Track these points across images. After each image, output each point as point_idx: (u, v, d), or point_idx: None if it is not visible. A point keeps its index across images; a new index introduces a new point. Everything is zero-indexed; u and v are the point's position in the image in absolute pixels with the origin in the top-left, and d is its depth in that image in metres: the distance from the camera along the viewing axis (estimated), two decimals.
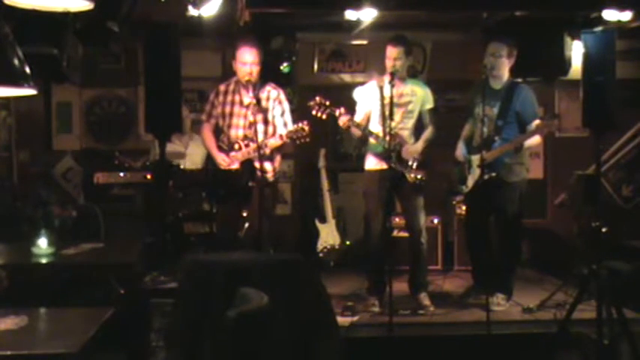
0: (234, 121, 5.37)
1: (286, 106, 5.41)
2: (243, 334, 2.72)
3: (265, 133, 5.30)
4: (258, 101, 5.26)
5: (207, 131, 5.45)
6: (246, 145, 5.27)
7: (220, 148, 5.38)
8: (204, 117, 5.50)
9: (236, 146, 5.32)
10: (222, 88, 5.43)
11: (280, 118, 5.36)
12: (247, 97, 5.29)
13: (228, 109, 5.38)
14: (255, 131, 5.17)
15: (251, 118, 5.27)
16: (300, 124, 5.20)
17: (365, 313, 5.18)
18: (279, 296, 3.26)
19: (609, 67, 4.68)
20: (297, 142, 5.23)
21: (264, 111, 5.32)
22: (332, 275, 6.16)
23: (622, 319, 4.33)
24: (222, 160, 5.31)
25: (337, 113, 5.20)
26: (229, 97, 5.39)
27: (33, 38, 4.32)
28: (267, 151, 5.24)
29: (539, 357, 4.69)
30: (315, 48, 7.41)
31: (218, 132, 5.49)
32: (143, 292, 4.45)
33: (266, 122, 5.34)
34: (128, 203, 6.40)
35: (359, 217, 6.02)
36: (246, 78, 5.21)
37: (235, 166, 5.31)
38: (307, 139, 5.22)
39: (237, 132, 5.36)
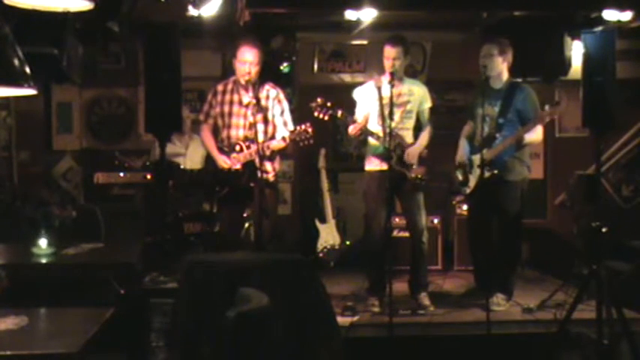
0: (234, 121, 5.29)
1: (285, 105, 5.36)
2: (243, 334, 2.72)
3: (265, 132, 5.24)
4: (258, 101, 5.18)
5: (206, 132, 5.39)
6: (248, 147, 5.20)
7: (220, 149, 5.30)
8: (202, 117, 5.42)
9: (237, 147, 5.24)
10: (220, 87, 5.35)
11: (280, 117, 5.31)
12: (246, 97, 5.23)
13: (227, 108, 5.31)
14: (256, 132, 5.11)
15: (251, 119, 5.19)
16: (303, 126, 5.13)
17: (365, 313, 5.17)
18: (279, 296, 3.25)
19: (609, 67, 4.68)
20: (301, 144, 5.18)
21: (264, 110, 5.25)
22: (332, 275, 6.16)
23: (622, 319, 4.33)
24: (224, 162, 5.24)
25: (350, 120, 5.21)
26: (228, 97, 5.32)
27: (33, 38, 4.32)
28: (268, 152, 5.19)
29: (539, 357, 4.69)
30: (315, 48, 7.41)
31: (216, 132, 5.43)
32: (143, 292, 4.45)
33: (266, 122, 5.27)
34: (128, 203, 6.40)
35: (359, 217, 6.03)
36: (245, 78, 5.14)
37: (237, 167, 5.24)
38: (311, 142, 5.17)
39: (237, 132, 5.29)
